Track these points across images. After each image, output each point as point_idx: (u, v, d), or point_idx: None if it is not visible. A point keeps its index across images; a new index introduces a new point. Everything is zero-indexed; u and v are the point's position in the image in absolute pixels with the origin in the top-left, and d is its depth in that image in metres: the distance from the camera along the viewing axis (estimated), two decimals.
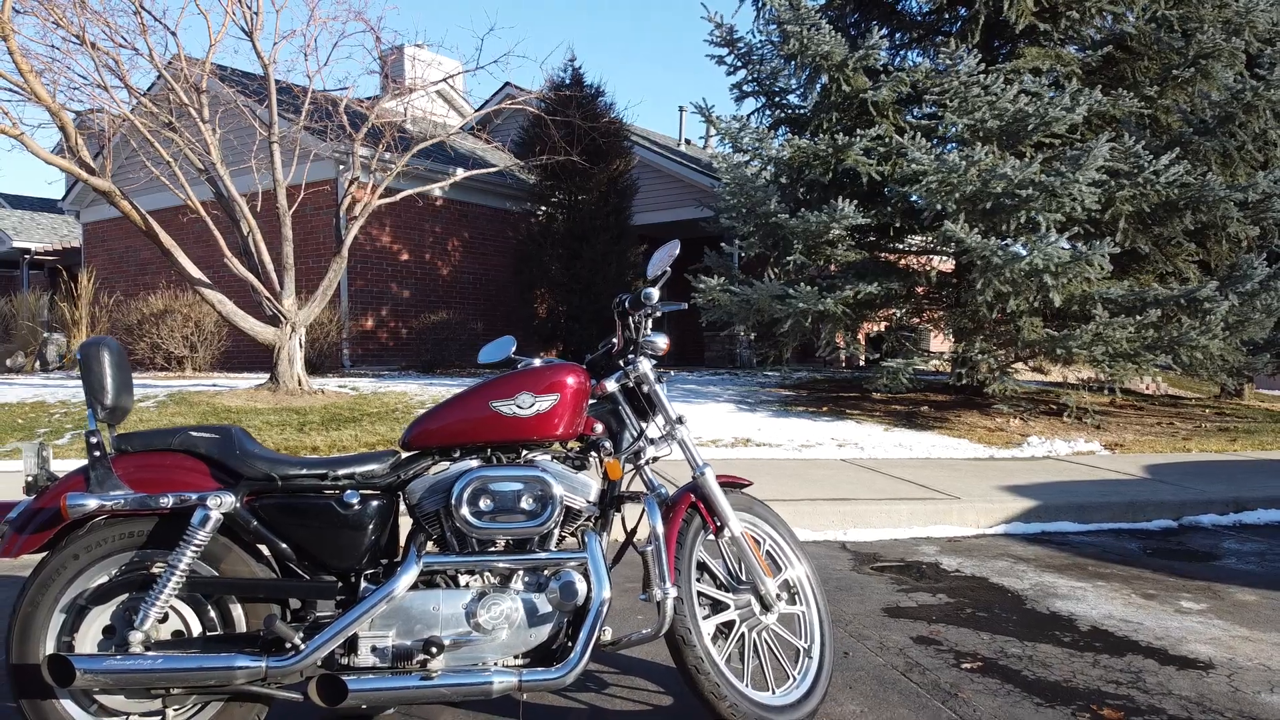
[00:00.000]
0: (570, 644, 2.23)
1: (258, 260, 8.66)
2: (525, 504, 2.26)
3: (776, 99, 10.12)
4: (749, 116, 9.69)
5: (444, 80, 13.52)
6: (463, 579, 2.29)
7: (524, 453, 2.37)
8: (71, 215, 18.12)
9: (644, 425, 2.52)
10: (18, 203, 22.83)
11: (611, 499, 2.42)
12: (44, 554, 2.17)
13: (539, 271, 13.83)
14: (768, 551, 2.65)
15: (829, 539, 4.96)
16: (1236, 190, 8.09)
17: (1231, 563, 4.60)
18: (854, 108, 9.06)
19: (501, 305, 15.27)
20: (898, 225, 9.13)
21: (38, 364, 14.09)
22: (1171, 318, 8.13)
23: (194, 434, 2.26)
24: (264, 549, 2.28)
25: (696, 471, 2.51)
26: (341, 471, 2.27)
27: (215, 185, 8.65)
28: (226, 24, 8.59)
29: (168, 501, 2.14)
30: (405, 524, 2.33)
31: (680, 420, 2.53)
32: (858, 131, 8.63)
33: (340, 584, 2.25)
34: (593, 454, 2.45)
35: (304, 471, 2.25)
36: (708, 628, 2.42)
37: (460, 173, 11.42)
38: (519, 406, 2.31)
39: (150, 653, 2.10)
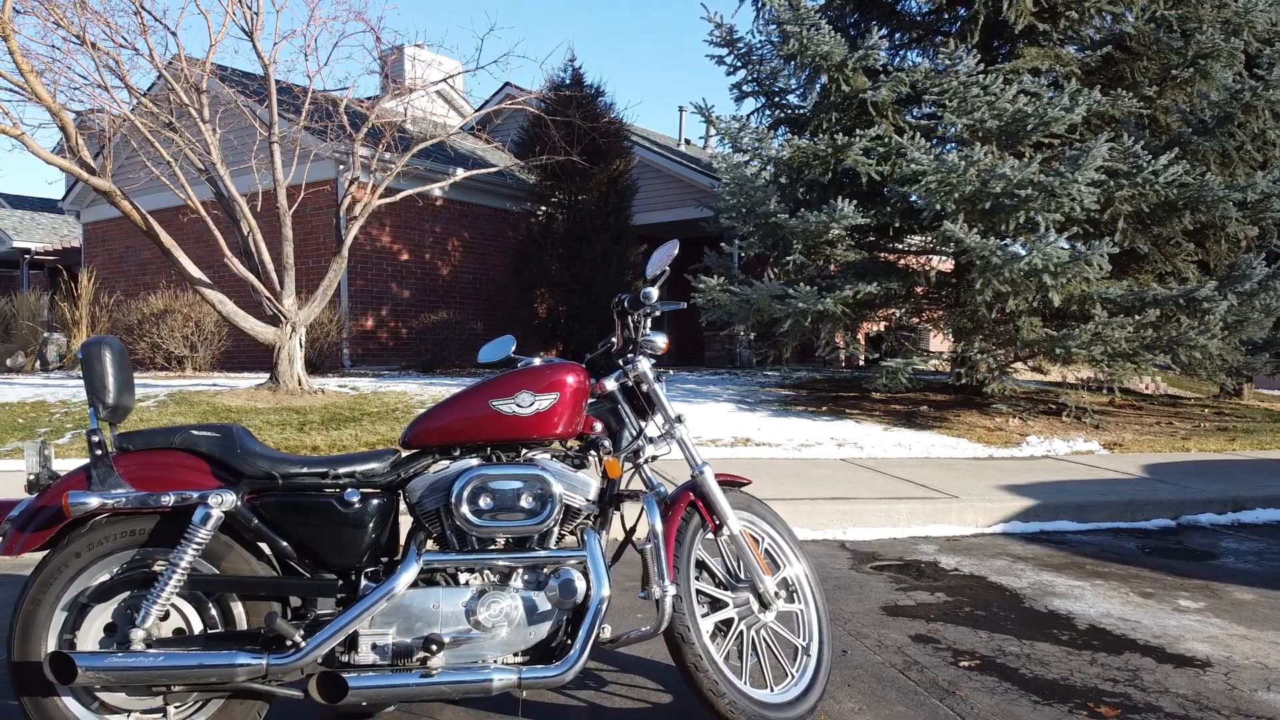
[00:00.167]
0: (570, 642, 2.24)
1: (258, 260, 8.67)
2: (525, 502, 2.27)
3: (776, 99, 10.13)
4: (749, 116, 9.70)
5: (444, 80, 13.53)
6: (463, 577, 2.30)
7: (524, 451, 2.38)
8: (71, 215, 18.14)
9: (643, 424, 2.53)
10: (18, 203, 22.85)
11: (611, 497, 2.44)
12: (46, 552, 2.18)
13: (539, 271, 13.84)
14: (766, 550, 2.66)
15: (828, 538, 4.97)
16: (1235, 190, 8.10)
17: (1229, 562, 4.62)
18: (853, 108, 9.07)
19: (501, 305, 15.28)
20: (897, 225, 9.14)
21: (38, 364, 14.10)
22: (1170, 317, 8.14)
23: (195, 433, 2.27)
24: (265, 547, 2.29)
25: (695, 470, 2.52)
26: (342, 470, 2.28)
27: (215, 185, 8.66)
28: (226, 24, 8.60)
29: (169, 500, 2.15)
30: (405, 522, 2.34)
31: (679, 419, 2.54)
32: (857, 131, 8.64)
33: (341, 582, 2.26)
34: (592, 453, 2.46)
35: (304, 470, 2.26)
36: (706, 625, 2.43)
37: (460, 173, 11.43)
38: (518, 405, 2.32)
39: (151, 650, 2.11)
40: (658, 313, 2.52)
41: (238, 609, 2.22)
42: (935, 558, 4.57)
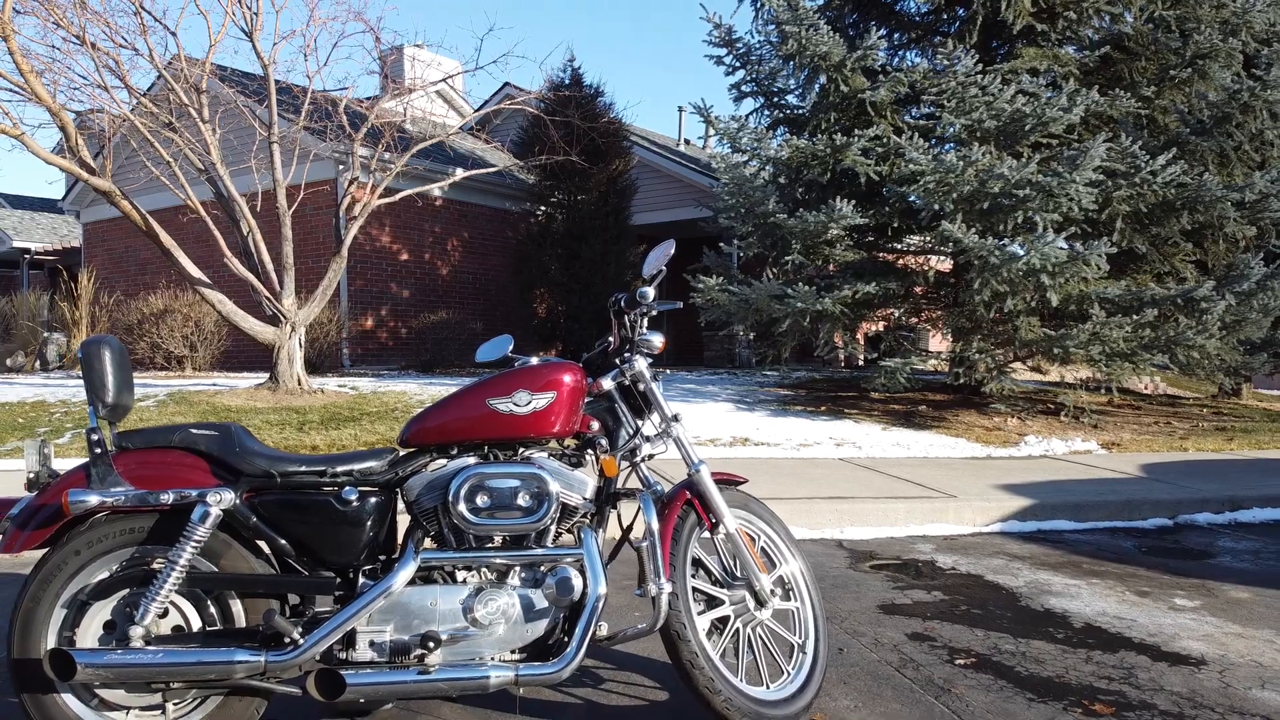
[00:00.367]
0: (566, 639, 2.25)
1: (257, 260, 8.68)
2: (522, 500, 2.29)
3: (775, 99, 10.15)
4: (748, 117, 9.72)
5: (443, 80, 13.55)
6: (460, 575, 2.31)
7: (521, 450, 2.39)
8: (71, 215, 18.15)
9: (640, 423, 2.55)
10: (18, 203, 22.86)
11: (608, 496, 2.45)
12: (45, 550, 2.19)
13: (538, 271, 13.85)
14: (763, 548, 2.68)
15: (826, 537, 4.98)
16: (1233, 190, 8.11)
17: (1226, 561, 4.63)
18: (852, 108, 9.08)
19: (501, 305, 15.30)
20: (896, 225, 9.15)
21: (38, 364, 14.11)
22: (1168, 317, 8.15)
23: (194, 431, 2.28)
24: (263, 545, 2.30)
25: (692, 469, 2.53)
26: (340, 468, 2.29)
27: (215, 185, 8.67)
28: (226, 24, 8.61)
29: (168, 498, 2.16)
30: (404, 521, 2.36)
31: (676, 418, 2.55)
32: (856, 132, 8.66)
33: (339, 580, 2.28)
34: (589, 451, 2.48)
35: (303, 468, 2.28)
36: (703, 623, 2.44)
37: (460, 173, 11.44)
38: (516, 404, 2.33)
39: (150, 647, 2.12)
40: (654, 312, 2.53)
41: (236, 606, 2.23)
42: (932, 557, 4.59)
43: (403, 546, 2.31)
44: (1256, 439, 8.54)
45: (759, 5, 9.95)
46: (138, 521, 2.20)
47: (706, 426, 7.89)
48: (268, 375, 8.91)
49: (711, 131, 9.74)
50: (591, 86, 14.29)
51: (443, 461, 2.36)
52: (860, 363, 13.94)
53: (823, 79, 9.07)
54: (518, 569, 2.32)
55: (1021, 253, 7.71)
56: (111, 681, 2.11)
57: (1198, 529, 5.44)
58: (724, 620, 2.52)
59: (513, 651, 2.27)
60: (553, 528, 2.35)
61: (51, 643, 2.14)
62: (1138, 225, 8.68)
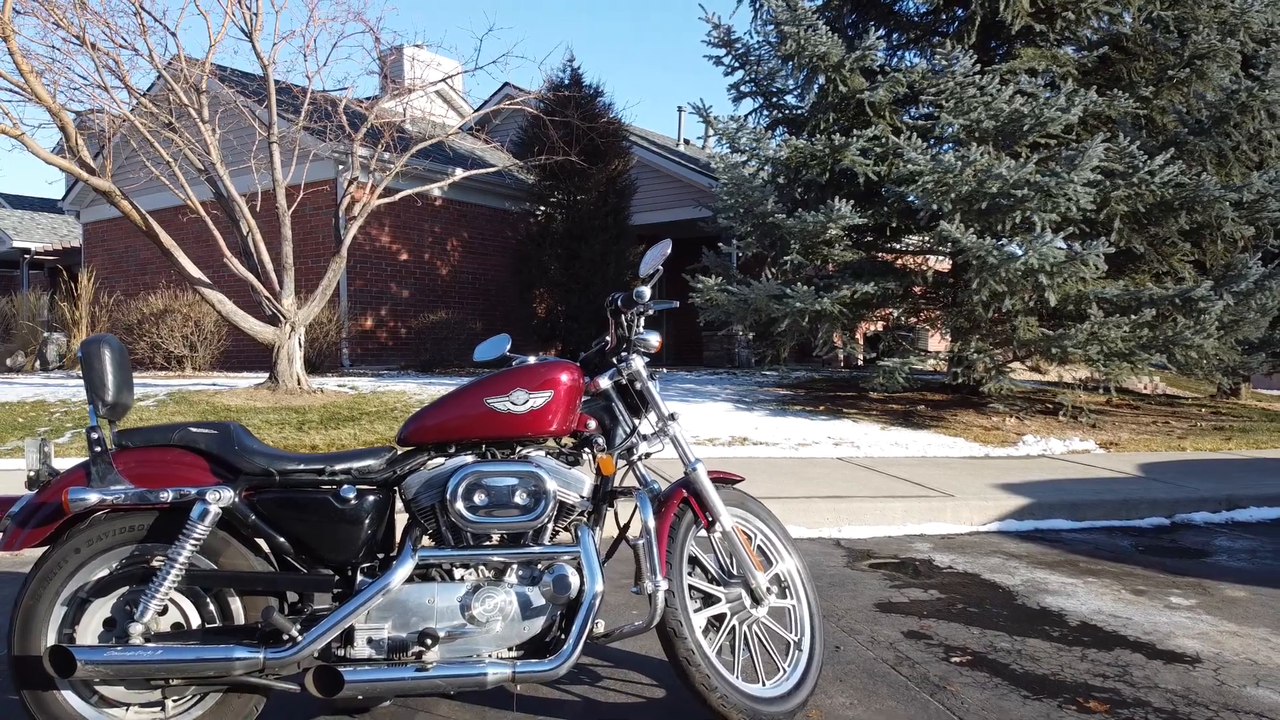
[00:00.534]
0: (563, 636, 2.27)
1: (257, 260, 8.69)
2: (519, 499, 2.30)
3: (774, 99, 10.16)
4: (746, 117, 9.74)
5: (443, 80, 13.56)
6: (458, 572, 2.32)
7: (518, 449, 2.40)
8: (71, 215, 18.17)
9: (637, 422, 2.56)
10: (18, 203, 22.87)
11: (605, 494, 2.46)
12: (46, 548, 2.20)
13: (538, 271, 13.87)
14: (759, 546, 2.69)
15: (823, 536, 5.00)
16: (1231, 190, 8.13)
17: (1222, 559, 4.64)
18: (851, 108, 9.10)
19: (501, 305, 15.31)
20: (894, 225, 9.17)
21: (38, 364, 14.12)
22: (1166, 317, 8.16)
23: (193, 430, 2.29)
24: (262, 543, 2.32)
25: (688, 467, 2.54)
26: (338, 467, 2.30)
27: (215, 185, 8.69)
28: (226, 25, 8.63)
29: (167, 496, 2.18)
30: (402, 519, 2.37)
31: (672, 417, 2.56)
32: (854, 132, 8.67)
33: (337, 577, 2.29)
34: (586, 450, 2.49)
35: (301, 466, 2.29)
36: (699, 621, 2.46)
37: (459, 173, 11.46)
38: (513, 403, 2.35)
39: (150, 644, 2.14)
40: (651, 311, 2.55)
41: (235, 604, 2.25)
42: (929, 555, 4.60)
43: (401, 544, 2.32)
44: (1254, 439, 8.56)
45: (758, 5, 9.96)
46: (137, 519, 2.21)
47: (705, 426, 7.90)
48: (267, 375, 8.92)
49: (711, 131, 9.76)
50: (591, 86, 14.31)
51: (441, 460, 2.38)
52: (859, 362, 13.97)
53: (821, 79, 9.08)
54: (515, 567, 2.33)
55: (1020, 253, 7.73)
56: (111, 678, 2.13)
57: (1195, 528, 5.45)
58: (720, 618, 2.54)
59: (510, 649, 2.29)
60: (550, 526, 2.37)
61: (52, 640, 2.16)
62: (1136, 225, 8.69)
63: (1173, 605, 3.76)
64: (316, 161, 11.67)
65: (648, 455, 2.54)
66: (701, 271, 9.65)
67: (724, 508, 2.55)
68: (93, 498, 2.14)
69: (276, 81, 8.87)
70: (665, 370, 2.82)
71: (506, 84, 16.89)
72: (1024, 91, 8.23)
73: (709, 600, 2.54)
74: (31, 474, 2.22)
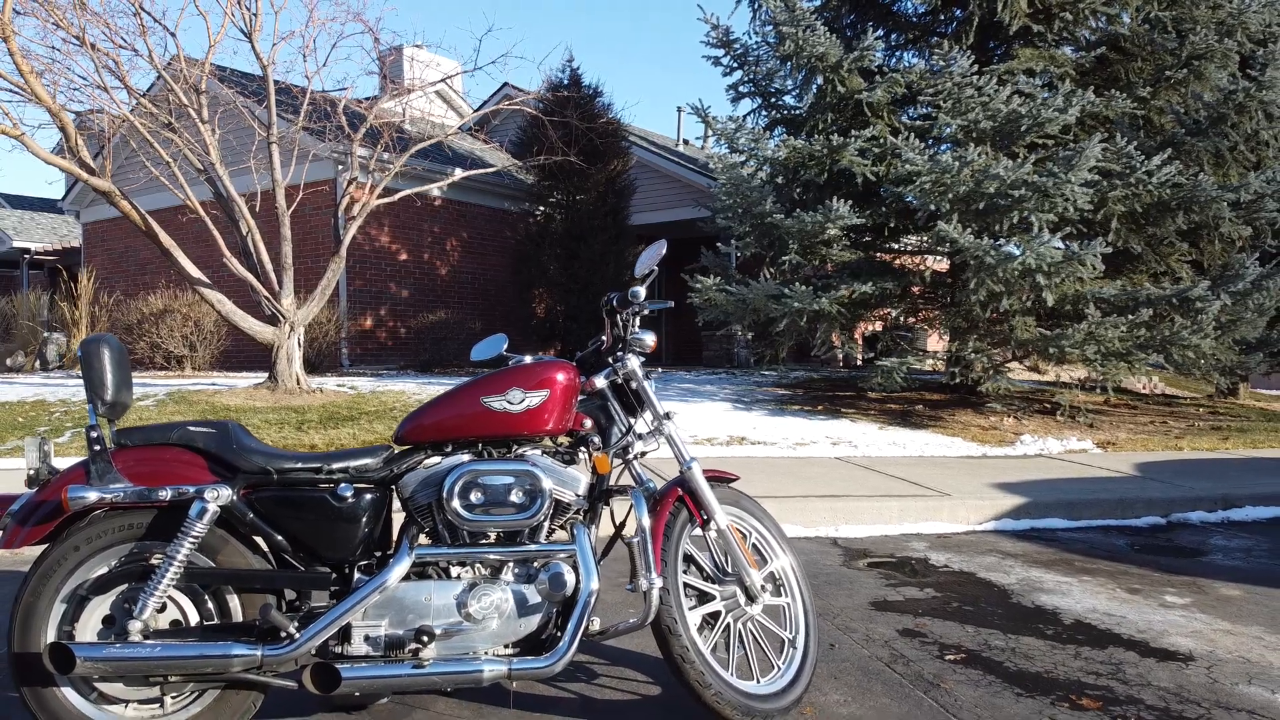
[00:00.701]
0: (559, 634, 2.28)
1: (256, 260, 8.71)
2: (515, 497, 2.32)
3: (772, 100, 10.18)
4: (745, 117, 9.75)
5: (442, 81, 13.57)
6: (454, 570, 2.34)
7: (515, 447, 2.42)
8: (71, 215, 18.18)
9: (632, 421, 2.58)
10: (18, 203, 22.88)
11: (600, 493, 2.48)
12: (45, 546, 2.22)
13: (537, 271, 13.89)
14: (754, 544, 2.71)
15: (820, 535, 5.01)
16: (1229, 190, 8.15)
17: (1218, 559, 4.66)
18: (849, 108, 9.12)
19: (500, 305, 15.33)
20: (892, 225, 9.19)
21: (38, 363, 14.14)
22: (1164, 317, 8.18)
23: (192, 429, 2.31)
24: (260, 541, 2.33)
25: (684, 466, 2.56)
26: (336, 465, 2.32)
27: (214, 185, 8.70)
28: (226, 25, 8.64)
29: (166, 494, 2.19)
30: (399, 518, 2.39)
31: (668, 416, 2.58)
32: (853, 132, 8.69)
33: (334, 575, 2.31)
34: (582, 449, 2.51)
35: (299, 465, 2.31)
36: (694, 618, 2.47)
37: (458, 173, 11.48)
38: (510, 402, 2.36)
39: (149, 641, 2.15)
40: (646, 311, 2.57)
41: (233, 601, 2.26)
42: (926, 554, 4.62)
43: (398, 542, 2.34)
44: (1252, 438, 8.58)
45: (756, 6, 9.98)
46: (136, 518, 2.23)
47: (704, 426, 7.92)
48: (267, 375, 8.94)
49: (709, 132, 9.78)
50: (590, 87, 14.33)
51: (437, 459, 2.39)
52: (858, 362, 13.98)
53: (820, 79, 9.10)
54: (511, 565, 2.35)
55: (1017, 253, 7.75)
56: (110, 675, 2.15)
57: (1190, 527, 5.47)
58: (715, 615, 2.56)
59: (506, 646, 2.30)
60: (546, 524, 2.39)
61: (51, 637, 2.17)
62: (1133, 225, 8.71)
63: (1167, 604, 3.78)
64: (316, 161, 11.68)
65: (643, 454, 2.56)
66: (700, 271, 9.66)
67: (719, 506, 2.57)
68: (92, 496, 2.16)
69: (276, 82, 8.88)
70: (661, 370, 2.84)
71: (506, 84, 16.92)
72: (1021, 92, 8.25)
73: (704, 598, 2.56)
74: (31, 472, 2.24)
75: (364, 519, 2.30)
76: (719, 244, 12.12)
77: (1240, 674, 2.98)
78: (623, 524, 2.55)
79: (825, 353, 9.78)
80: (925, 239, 9.22)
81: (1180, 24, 8.90)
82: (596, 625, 2.35)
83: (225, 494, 2.20)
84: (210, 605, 2.25)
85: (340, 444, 6.59)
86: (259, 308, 8.82)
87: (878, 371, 8.48)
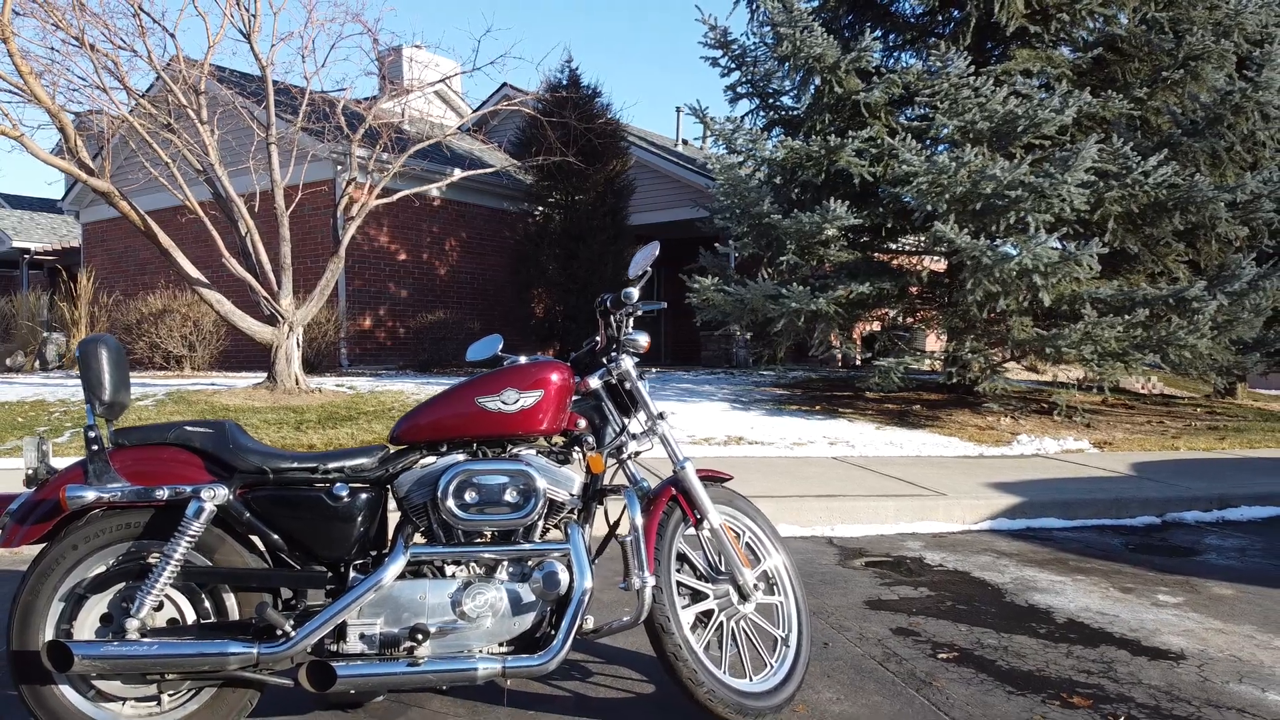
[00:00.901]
0: (553, 632, 2.30)
1: (255, 260, 8.73)
2: (510, 497, 2.34)
3: (770, 100, 10.20)
4: (743, 118, 9.78)
5: (441, 81, 13.60)
6: (449, 569, 2.36)
7: (509, 447, 2.44)
8: (71, 215, 18.20)
9: (626, 421, 2.60)
10: (18, 203, 22.90)
11: (594, 492, 2.50)
12: (44, 545, 2.24)
13: (536, 271, 13.91)
14: (747, 543, 2.73)
15: (816, 534, 5.03)
16: (1225, 191, 8.17)
17: (1212, 558, 4.68)
18: (846, 109, 9.14)
19: (499, 305, 15.35)
20: (890, 226, 9.21)
21: (37, 363, 14.16)
22: (1160, 317, 8.20)
23: (189, 429, 2.33)
24: (256, 540, 2.35)
25: (677, 466, 2.58)
26: (331, 465, 2.34)
27: (213, 186, 8.72)
28: (225, 26, 8.67)
29: (163, 494, 2.21)
30: (394, 518, 2.41)
31: (661, 416, 2.60)
32: (850, 133, 8.71)
33: (330, 574, 2.33)
34: (576, 449, 2.53)
35: (295, 465, 2.33)
36: (687, 617, 2.49)
37: (457, 173, 11.50)
38: (504, 402, 2.38)
39: (146, 639, 2.18)
40: (639, 312, 2.59)
41: (230, 600, 2.28)
42: (921, 554, 4.64)
43: (393, 542, 2.36)
44: (1248, 438, 8.60)
45: (754, 7, 10.01)
46: (134, 517, 2.25)
47: (702, 426, 7.94)
48: (266, 375, 8.96)
49: (707, 132, 9.79)
50: (589, 87, 14.35)
51: (432, 459, 2.41)
52: (857, 362, 14.00)
53: (817, 80, 9.12)
54: (505, 564, 2.37)
55: (1014, 253, 7.77)
56: (108, 673, 2.16)
57: (1185, 527, 5.49)
58: (708, 614, 2.58)
59: (500, 644, 2.32)
60: (540, 523, 2.40)
61: (49, 635, 2.19)
62: (1130, 226, 8.73)
63: (1160, 603, 3.80)
64: (315, 162, 11.71)
65: (637, 454, 2.58)
66: (698, 271, 9.69)
67: (712, 505, 2.59)
68: (90, 495, 2.18)
69: (275, 82, 8.90)
70: (655, 370, 2.86)
71: (505, 84, 16.94)
72: (1018, 93, 8.27)
73: (697, 596, 2.58)
74: (30, 472, 2.26)
75: (359, 518, 2.32)
76: (717, 244, 12.13)
77: (1231, 672, 3.00)
78: (617, 523, 2.57)
79: (823, 353, 9.80)
80: (922, 239, 9.24)
81: (1177, 25, 8.92)
82: (590, 624, 2.37)
83: (222, 493, 2.22)
84: (207, 604, 2.27)
85: (339, 444, 6.61)
86: (258, 308, 8.84)
87: (875, 371, 8.51)
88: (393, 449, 2.45)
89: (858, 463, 6.79)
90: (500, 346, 2.69)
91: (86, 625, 2.22)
